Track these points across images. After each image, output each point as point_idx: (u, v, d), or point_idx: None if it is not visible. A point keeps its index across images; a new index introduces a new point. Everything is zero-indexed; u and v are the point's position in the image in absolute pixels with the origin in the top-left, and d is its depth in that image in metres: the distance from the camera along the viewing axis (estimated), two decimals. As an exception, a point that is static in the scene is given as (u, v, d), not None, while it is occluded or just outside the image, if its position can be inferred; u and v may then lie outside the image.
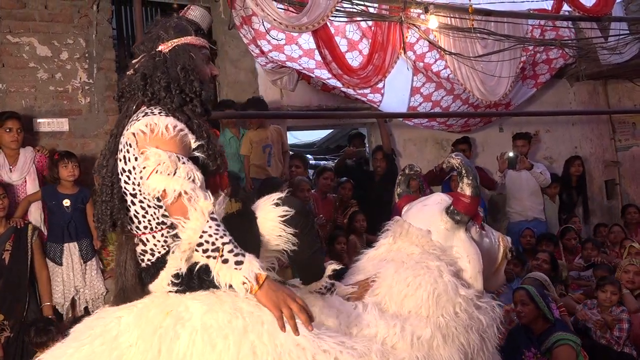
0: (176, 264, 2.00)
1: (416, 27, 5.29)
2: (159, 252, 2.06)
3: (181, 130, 1.99)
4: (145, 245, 2.08)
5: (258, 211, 2.18)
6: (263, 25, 4.86)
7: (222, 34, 5.85)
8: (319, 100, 6.41)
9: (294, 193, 4.78)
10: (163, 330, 1.96)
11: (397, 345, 2.21)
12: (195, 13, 2.23)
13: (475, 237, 2.67)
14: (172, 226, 1.96)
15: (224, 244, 1.85)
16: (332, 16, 4.72)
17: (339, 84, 5.37)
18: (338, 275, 2.45)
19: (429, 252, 2.55)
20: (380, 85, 5.48)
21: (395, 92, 5.82)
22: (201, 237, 1.86)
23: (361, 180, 6.25)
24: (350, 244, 5.18)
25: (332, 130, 8.85)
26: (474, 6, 5.20)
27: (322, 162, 8.00)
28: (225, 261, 1.84)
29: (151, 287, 2.10)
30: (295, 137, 8.86)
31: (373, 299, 2.38)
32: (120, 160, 2.03)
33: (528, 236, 5.98)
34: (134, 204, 2.04)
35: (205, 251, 1.86)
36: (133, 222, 2.07)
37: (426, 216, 2.68)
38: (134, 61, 2.17)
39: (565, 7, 5.98)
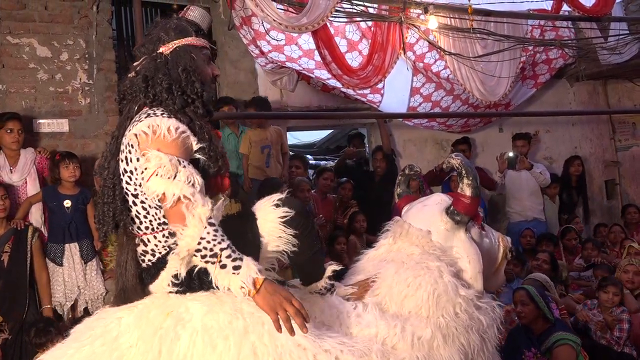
0: (176, 265, 2.01)
1: (416, 27, 5.30)
2: (160, 253, 2.06)
3: (183, 132, 1.99)
4: (146, 245, 2.08)
5: (258, 212, 2.18)
6: (263, 25, 4.86)
7: (222, 35, 5.86)
8: (319, 100, 6.41)
9: (294, 193, 4.78)
10: (163, 331, 1.96)
11: (397, 346, 2.21)
12: (194, 14, 2.23)
13: (475, 237, 2.67)
14: (173, 233, 1.97)
15: (221, 249, 1.88)
16: (332, 16, 4.72)
17: (338, 85, 5.38)
18: (338, 276, 2.45)
19: (429, 252, 2.54)
20: (380, 85, 5.48)
21: (395, 93, 5.83)
22: (199, 243, 1.88)
23: (361, 180, 6.25)
24: (350, 245, 5.18)
25: (332, 130, 8.84)
26: (473, 6, 5.20)
27: (322, 163, 8.00)
28: (224, 266, 1.88)
29: (151, 287, 2.10)
30: (295, 138, 8.87)
31: (373, 299, 2.38)
32: (122, 161, 2.03)
33: (528, 236, 5.98)
34: (135, 204, 2.05)
35: (203, 257, 1.89)
36: (134, 223, 2.08)
37: (426, 216, 2.67)
38: (135, 63, 2.17)
39: (565, 7, 5.98)
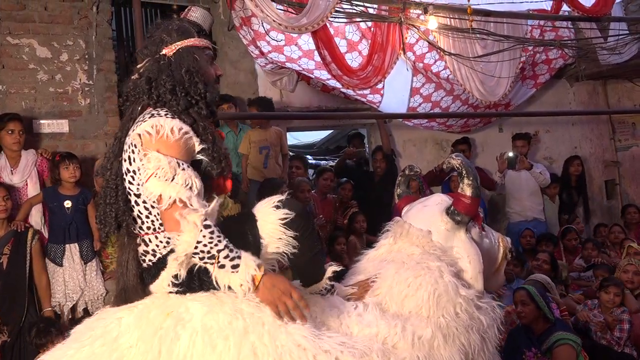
0: (175, 265, 2.01)
1: (415, 27, 5.30)
2: (161, 253, 2.07)
3: (186, 132, 2.00)
4: (147, 245, 2.09)
5: (258, 214, 2.18)
6: (262, 26, 4.86)
7: (222, 35, 5.86)
8: (319, 101, 6.41)
9: (294, 194, 4.79)
10: (163, 332, 1.96)
11: (398, 345, 2.20)
12: (196, 14, 2.24)
13: (475, 237, 2.67)
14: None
15: (219, 251, 1.91)
16: (332, 17, 4.72)
17: (338, 85, 5.38)
18: (338, 276, 2.45)
19: (430, 252, 2.54)
20: (379, 85, 5.48)
21: (394, 93, 5.83)
22: (196, 247, 1.90)
23: (361, 180, 6.25)
24: (350, 245, 5.18)
25: (331, 131, 8.85)
26: (473, 7, 5.20)
27: (322, 163, 8.00)
28: (222, 266, 1.92)
29: (152, 287, 2.10)
30: (295, 138, 8.87)
31: (374, 299, 2.38)
32: (125, 160, 2.04)
33: (528, 236, 5.98)
34: (137, 204, 2.05)
35: (201, 259, 1.93)
36: (136, 222, 2.09)
37: (426, 217, 2.68)
38: (138, 66, 2.17)
39: (565, 8, 5.99)
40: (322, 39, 4.85)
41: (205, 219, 1.91)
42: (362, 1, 5.03)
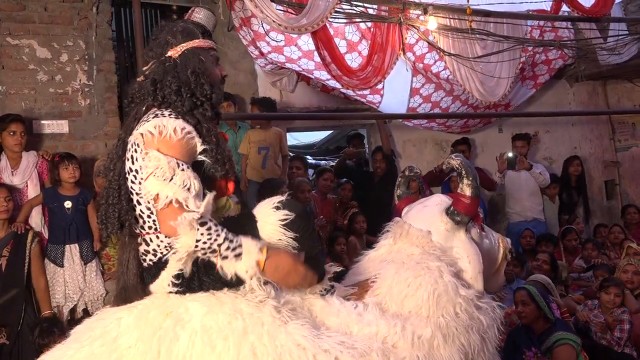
0: (177, 265, 2.01)
1: (415, 28, 5.30)
2: (162, 253, 2.07)
3: (188, 133, 2.00)
4: (148, 245, 2.09)
5: (258, 215, 2.17)
6: (262, 26, 4.86)
7: (222, 36, 5.86)
8: (319, 101, 6.42)
9: (295, 194, 4.79)
10: (163, 332, 1.95)
11: (397, 344, 2.20)
12: (200, 15, 2.24)
13: (475, 238, 2.67)
14: None
15: (219, 245, 1.93)
16: (331, 17, 4.73)
17: (338, 85, 5.38)
18: (338, 277, 2.45)
19: (429, 252, 2.54)
20: (379, 86, 5.48)
21: (394, 93, 5.83)
22: (196, 246, 1.92)
23: (361, 181, 6.25)
24: (350, 245, 5.18)
25: (331, 131, 8.85)
26: (473, 7, 5.20)
27: (321, 163, 8.00)
28: (225, 257, 1.94)
29: (152, 287, 2.10)
30: (295, 138, 8.88)
31: (373, 299, 2.38)
32: (128, 159, 2.04)
33: (528, 237, 5.98)
34: (139, 203, 2.05)
35: (204, 254, 1.95)
36: (138, 222, 2.09)
37: (426, 217, 2.67)
38: (144, 68, 2.18)
39: (564, 8, 5.99)
40: (322, 39, 4.86)
41: (200, 217, 1.91)
42: (361, 2, 5.03)
